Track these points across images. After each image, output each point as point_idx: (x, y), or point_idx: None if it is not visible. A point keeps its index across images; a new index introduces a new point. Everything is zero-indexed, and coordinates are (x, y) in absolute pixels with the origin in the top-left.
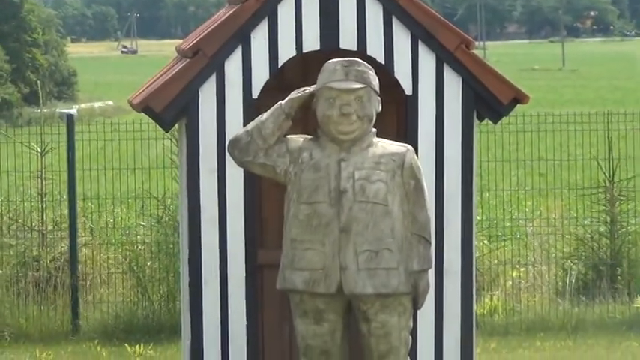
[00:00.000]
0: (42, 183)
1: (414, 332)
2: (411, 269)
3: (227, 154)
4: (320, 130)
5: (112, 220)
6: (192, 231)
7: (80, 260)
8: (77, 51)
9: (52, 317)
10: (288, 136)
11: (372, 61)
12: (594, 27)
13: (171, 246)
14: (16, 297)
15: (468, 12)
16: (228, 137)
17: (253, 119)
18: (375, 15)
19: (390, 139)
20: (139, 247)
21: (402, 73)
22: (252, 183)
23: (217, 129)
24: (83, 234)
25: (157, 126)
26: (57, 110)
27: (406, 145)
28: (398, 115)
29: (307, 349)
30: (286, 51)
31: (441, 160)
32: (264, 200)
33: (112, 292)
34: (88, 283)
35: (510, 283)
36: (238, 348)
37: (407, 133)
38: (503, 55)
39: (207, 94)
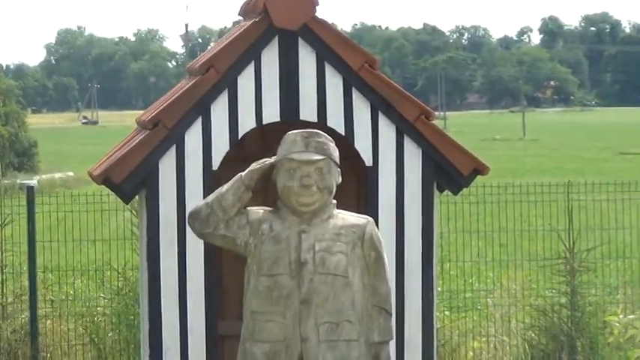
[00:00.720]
0: (2, 255)
1: None
2: (371, 341)
3: (187, 225)
4: (280, 202)
5: (72, 292)
6: (152, 303)
7: (40, 332)
8: (38, 121)
9: None
10: (249, 208)
11: (332, 132)
12: (555, 97)
13: (132, 317)
14: None
15: (428, 82)
16: (189, 209)
17: (213, 191)
18: (334, 86)
19: (351, 211)
20: (100, 319)
21: (362, 144)
22: (212, 254)
23: (177, 200)
24: (43, 306)
25: (117, 197)
26: (17, 181)
27: (366, 216)
28: (358, 186)
29: None
30: (246, 122)
31: (401, 231)
32: (225, 271)
33: None
34: (49, 354)
35: (472, 354)
36: None
37: (367, 204)
38: (463, 125)
39: (167, 166)
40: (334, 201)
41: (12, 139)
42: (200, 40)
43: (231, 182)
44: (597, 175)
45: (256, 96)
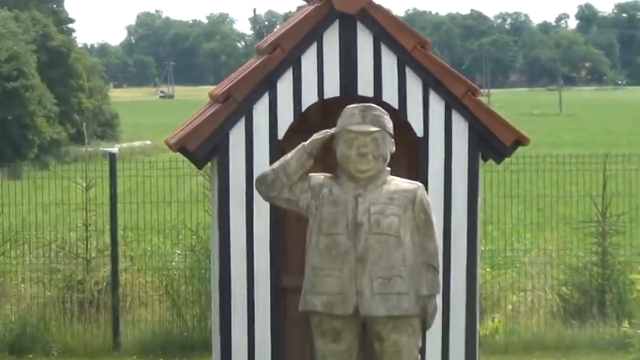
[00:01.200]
0: (86, 214)
1: (422, 351)
2: (420, 294)
3: (255, 189)
4: (339, 169)
5: (149, 249)
6: (222, 259)
7: (120, 284)
8: (119, 95)
9: (94, 335)
10: (310, 174)
11: (386, 106)
12: (589, 77)
13: (204, 271)
14: (62, 316)
15: (474, 62)
16: (256, 174)
17: (279, 158)
18: (390, 65)
19: (403, 177)
20: (174, 273)
21: (414, 117)
22: (277, 215)
23: (246, 167)
24: (123, 260)
25: (191, 164)
26: (100, 149)
27: (417, 182)
28: (410, 156)
29: None
30: (309, 97)
31: (448, 196)
32: (288, 231)
33: (150, 313)
34: (128, 304)
35: (510, 307)
36: None
37: (418, 171)
38: (505, 102)
39: (236, 136)
40: (388, 168)
41: (96, 111)
42: (267, 22)
43: (294, 151)
44: (627, 147)
45: (318, 73)
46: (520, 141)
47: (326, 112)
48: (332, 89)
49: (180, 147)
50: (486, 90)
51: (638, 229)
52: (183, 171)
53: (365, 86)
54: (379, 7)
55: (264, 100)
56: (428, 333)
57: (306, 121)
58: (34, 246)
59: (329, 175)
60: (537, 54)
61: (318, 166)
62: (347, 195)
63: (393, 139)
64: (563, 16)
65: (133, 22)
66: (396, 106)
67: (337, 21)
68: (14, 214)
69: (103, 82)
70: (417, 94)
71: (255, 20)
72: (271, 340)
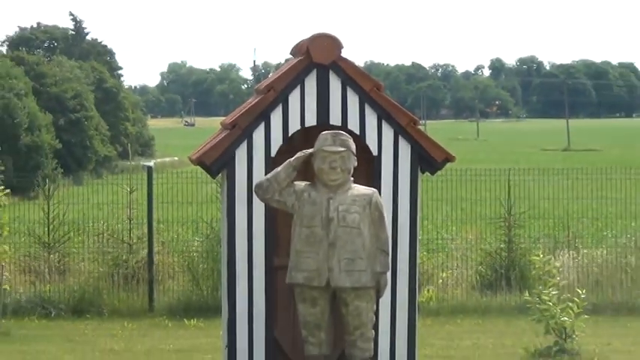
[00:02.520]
0: (130, 211)
1: (376, 313)
2: (375, 271)
3: (254, 193)
4: (316, 178)
5: (176, 236)
6: (229, 244)
7: (154, 262)
8: (154, 124)
9: (135, 300)
10: (295, 182)
11: (351, 132)
12: (498, 111)
13: (216, 253)
14: (111, 286)
15: (415, 100)
16: (255, 182)
17: (272, 171)
18: (353, 101)
19: (362, 185)
20: (194, 255)
21: (371, 140)
22: (270, 212)
23: (247, 176)
24: (157, 245)
25: (208, 174)
26: (140, 163)
27: (373, 188)
28: (368, 169)
29: (306, 324)
30: (294, 125)
31: (396, 199)
32: (278, 224)
33: (176, 284)
34: (160, 277)
35: (441, 281)
36: (259, 321)
37: (373, 181)
38: (437, 130)
39: (241, 154)
40: (352, 178)
41: (137, 135)
42: (263, 70)
43: (283, 165)
44: (526, 164)
45: (301, 107)
46: (448, 158)
47: (307, 136)
48: (311, 119)
49: (200, 162)
50: (423, 121)
51: (534, 223)
52: (201, 179)
53: (335, 117)
54: (346, 60)
55: (261, 127)
56: (381, 300)
57: (291, 143)
58: (91, 234)
59: (308, 183)
60: (461, 94)
61: (301, 176)
62: (321, 197)
63: (355, 157)
64: (480, 67)
65: (165, 69)
66: (358, 132)
67: (315, 70)
68: (77, 210)
69: (142, 113)
70: (373, 123)
71: (254, 69)
72: (265, 305)
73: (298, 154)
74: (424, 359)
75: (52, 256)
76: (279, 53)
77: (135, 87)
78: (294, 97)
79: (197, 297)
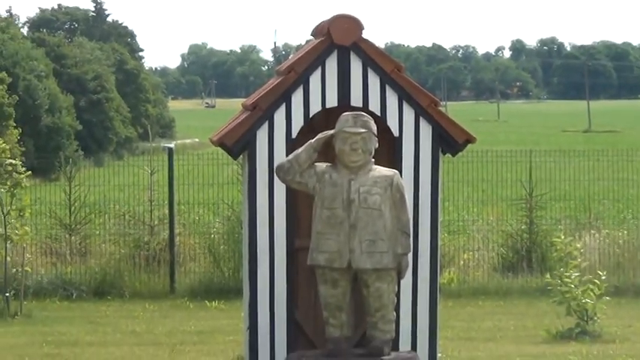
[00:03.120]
0: (151, 192)
1: (398, 295)
2: (396, 253)
3: (275, 175)
4: (337, 160)
5: (197, 218)
6: (251, 226)
7: (175, 244)
8: (175, 105)
9: (157, 282)
10: (316, 163)
11: (372, 113)
12: (519, 93)
13: (237, 235)
14: (132, 268)
15: (435, 82)
16: (276, 164)
17: (292, 152)
18: (374, 83)
19: (384, 166)
20: (215, 236)
21: (392, 122)
22: (291, 194)
23: (268, 158)
24: (178, 227)
25: (229, 155)
26: (161, 144)
27: (394, 170)
28: (389, 150)
29: (327, 305)
30: (315, 106)
31: (417, 180)
32: (299, 205)
33: (197, 266)
34: (181, 259)
35: (462, 262)
36: (281, 303)
37: (395, 162)
38: (458, 111)
39: (262, 135)
40: (373, 159)
41: (158, 117)
42: (284, 52)
43: (304, 146)
44: (547, 145)
45: (322, 89)
46: (469, 140)
47: (328, 117)
48: (332, 101)
49: (221, 143)
50: (444, 102)
51: (555, 205)
52: (222, 160)
53: (356, 99)
54: (367, 41)
55: (282, 108)
56: (402, 282)
57: (312, 125)
58: (112, 215)
59: (329, 164)
60: (482, 76)
61: (322, 157)
62: (343, 179)
63: (376, 138)
64: (500, 48)
65: (185, 50)
66: (379, 113)
67: (336, 51)
68: (98, 192)
69: (163, 95)
70: (393, 104)
71: (275, 50)
72: (287, 287)
73: (319, 136)
74: (445, 341)
75: (73, 238)
76: (299, 34)
77: (155, 69)
78: (314, 78)
79: (218, 279)
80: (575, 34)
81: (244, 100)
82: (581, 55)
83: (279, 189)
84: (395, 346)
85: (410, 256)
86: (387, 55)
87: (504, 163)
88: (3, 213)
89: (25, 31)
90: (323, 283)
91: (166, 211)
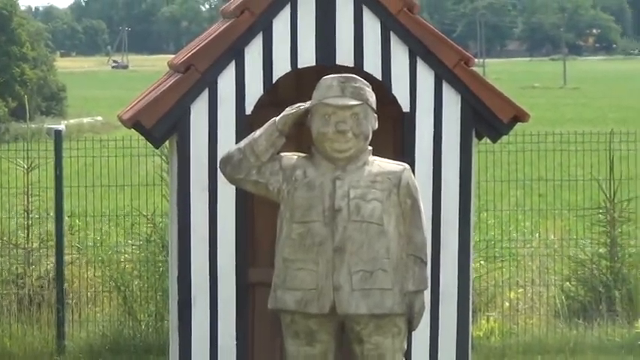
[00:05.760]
0: (28, 200)
1: (408, 355)
2: (406, 290)
3: (219, 171)
4: (314, 148)
5: (99, 238)
6: (181, 249)
7: (66, 278)
8: (66, 65)
9: (36, 336)
10: (282, 154)
11: (368, 77)
12: (597, 45)
13: (160, 265)
14: None
15: (468, 28)
16: (220, 154)
17: (246, 136)
18: (372, 30)
19: (387, 158)
20: (127, 266)
21: (400, 89)
22: (243, 201)
23: (209, 146)
24: (69, 252)
25: (147, 142)
26: (44, 126)
27: (403, 163)
28: (395, 133)
29: None
30: (281, 66)
31: (438, 179)
32: (256, 218)
33: (99, 311)
34: (74, 301)
35: (508, 304)
36: None
37: (404, 151)
38: (503, 73)
39: (199, 111)
40: (370, 147)
41: (40, 83)
42: None
43: (264, 127)
44: (638, 126)
45: (292, 39)
46: (519, 117)
47: (300, 83)
48: (307, 58)
49: (135, 123)
50: (481, 60)
51: None
52: (138, 151)
53: (344, 55)
54: None
55: (230, 70)
56: (414, 334)
57: (277, 94)
58: None
59: (303, 155)
60: (539, 19)
61: (291, 144)
62: (323, 177)
63: (375, 115)
64: None
65: None
66: (379, 77)
67: None
68: None
69: (48, 50)
70: (402, 64)
71: None
72: (237, 342)
73: (287, 111)
74: None
75: None
76: None
77: (37, 9)
78: (280, 23)
79: (131, 331)
80: None
81: (172, 57)
82: None
83: (226, 194)
84: None
85: (427, 294)
86: None
87: (573, 152)
88: None
89: None
90: (293, 336)
91: (52, 228)
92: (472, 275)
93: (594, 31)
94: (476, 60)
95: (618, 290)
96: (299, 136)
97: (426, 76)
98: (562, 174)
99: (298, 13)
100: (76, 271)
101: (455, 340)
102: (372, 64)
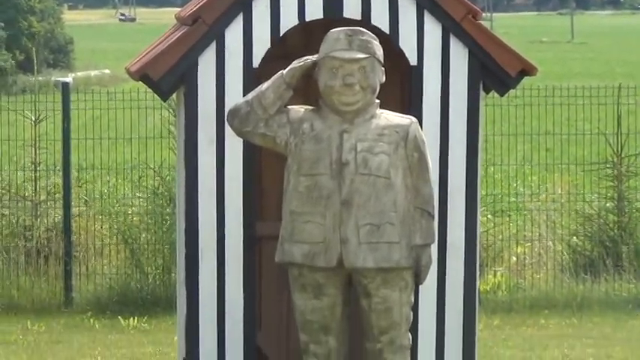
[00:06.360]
0: (35, 152)
1: (415, 308)
2: (413, 243)
3: (226, 124)
4: (322, 101)
5: (106, 191)
6: (189, 202)
7: (73, 231)
8: (74, 18)
9: (43, 288)
10: (289, 107)
11: (376, 30)
12: None
13: (167, 218)
14: (7, 267)
15: None
16: (228, 107)
17: (254, 89)
18: None
19: (394, 111)
20: (134, 219)
21: (407, 43)
22: (251, 154)
23: (217, 98)
24: (77, 204)
25: (155, 95)
26: (52, 78)
27: (410, 116)
28: (402, 86)
29: (306, 325)
30: (288, 19)
31: (445, 133)
32: (264, 171)
33: (106, 264)
34: (81, 254)
35: (514, 259)
36: (235, 322)
37: (411, 104)
38: (510, 27)
39: (206, 63)
40: (377, 100)
41: (47, 36)
42: None
43: (271, 80)
44: None
45: None
46: (527, 71)
47: (307, 36)
48: (314, 10)
49: (142, 75)
50: (489, 13)
51: None
52: (145, 103)
53: (352, 7)
54: None
55: (238, 22)
56: (421, 288)
57: (285, 47)
58: None
59: (310, 107)
60: None
61: (299, 97)
62: (331, 130)
63: (383, 68)
64: None
65: None
66: (386, 30)
67: None
68: None
69: (56, 3)
70: (410, 17)
71: None
72: (244, 295)
73: (294, 64)
74: None
75: None
76: None
77: None
78: None
79: (139, 284)
80: None
81: (179, 10)
82: None
83: (234, 147)
84: None
85: (434, 248)
86: None
87: (580, 106)
88: None
89: None
90: (300, 289)
91: (59, 181)
92: (479, 229)
93: None
94: (483, 14)
95: (625, 245)
96: (306, 89)
97: (433, 29)
98: (569, 128)
99: None
100: (84, 224)
101: (462, 295)
102: (380, 17)
